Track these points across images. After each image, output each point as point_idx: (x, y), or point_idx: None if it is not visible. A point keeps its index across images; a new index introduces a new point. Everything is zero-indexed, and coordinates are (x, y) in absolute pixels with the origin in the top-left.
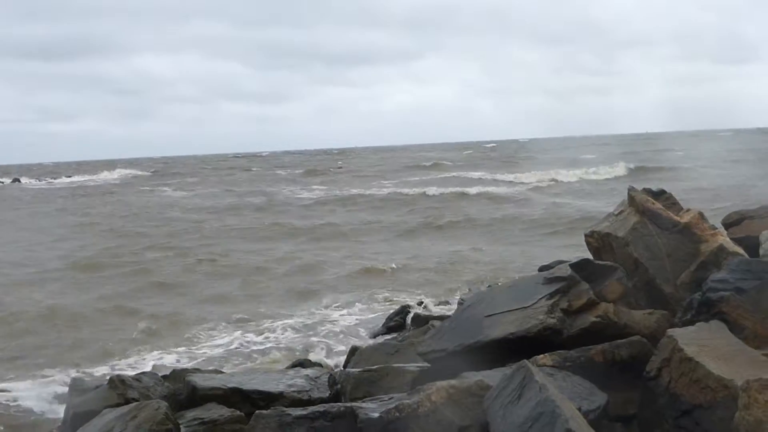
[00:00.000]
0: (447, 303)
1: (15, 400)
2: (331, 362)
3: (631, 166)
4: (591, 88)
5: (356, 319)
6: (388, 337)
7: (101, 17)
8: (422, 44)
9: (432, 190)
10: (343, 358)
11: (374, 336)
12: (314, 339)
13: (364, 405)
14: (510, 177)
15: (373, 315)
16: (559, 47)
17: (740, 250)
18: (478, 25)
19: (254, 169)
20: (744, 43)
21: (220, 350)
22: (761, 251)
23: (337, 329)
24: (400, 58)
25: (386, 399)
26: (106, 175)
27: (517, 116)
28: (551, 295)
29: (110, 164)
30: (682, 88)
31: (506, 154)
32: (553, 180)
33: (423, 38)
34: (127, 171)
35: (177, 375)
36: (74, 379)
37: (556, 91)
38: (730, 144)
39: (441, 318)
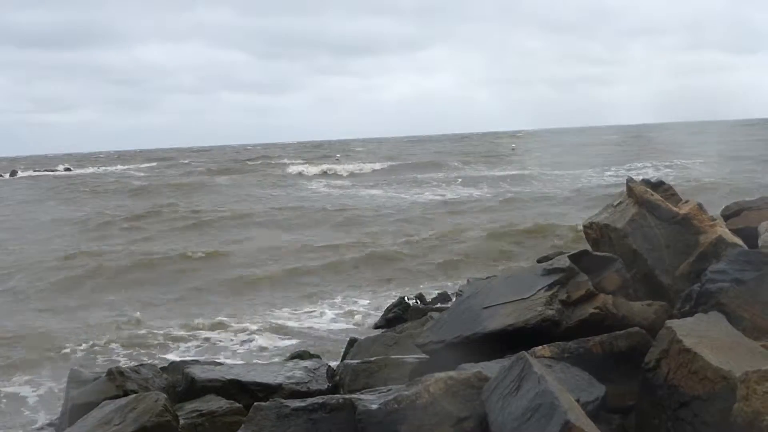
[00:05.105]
0: (445, 294)
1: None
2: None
3: None
4: (602, 78)
5: None
6: (386, 328)
7: (103, 5)
8: (429, 33)
9: None
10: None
11: (373, 328)
12: None
13: (362, 396)
14: None
15: None
16: (570, 35)
17: (739, 241)
18: (487, 13)
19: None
20: (753, 32)
21: None
22: (760, 242)
23: None
24: (406, 48)
25: (385, 390)
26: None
27: (526, 107)
28: (550, 287)
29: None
30: (692, 78)
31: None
32: None
33: (430, 27)
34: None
35: (176, 367)
36: (73, 371)
37: (567, 81)
38: None
39: (439, 309)
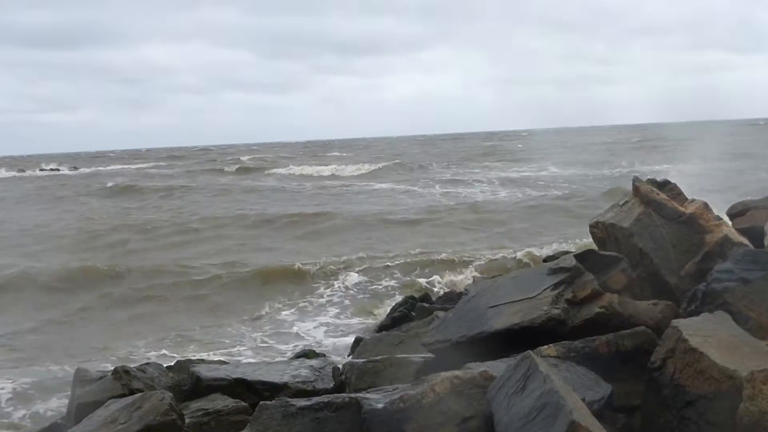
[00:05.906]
0: (451, 293)
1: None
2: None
3: None
4: (605, 78)
5: None
6: (392, 328)
7: (106, 4)
8: (432, 33)
9: None
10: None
11: (379, 327)
12: None
13: (368, 396)
14: None
15: None
16: (572, 35)
17: (745, 241)
18: (490, 13)
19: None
20: (757, 31)
21: None
22: (766, 241)
23: None
24: (410, 48)
25: (390, 390)
26: None
27: (530, 107)
28: (556, 286)
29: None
30: (695, 77)
31: None
32: None
33: (433, 27)
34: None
35: (181, 366)
36: (78, 370)
37: (570, 80)
38: None
39: (445, 309)
